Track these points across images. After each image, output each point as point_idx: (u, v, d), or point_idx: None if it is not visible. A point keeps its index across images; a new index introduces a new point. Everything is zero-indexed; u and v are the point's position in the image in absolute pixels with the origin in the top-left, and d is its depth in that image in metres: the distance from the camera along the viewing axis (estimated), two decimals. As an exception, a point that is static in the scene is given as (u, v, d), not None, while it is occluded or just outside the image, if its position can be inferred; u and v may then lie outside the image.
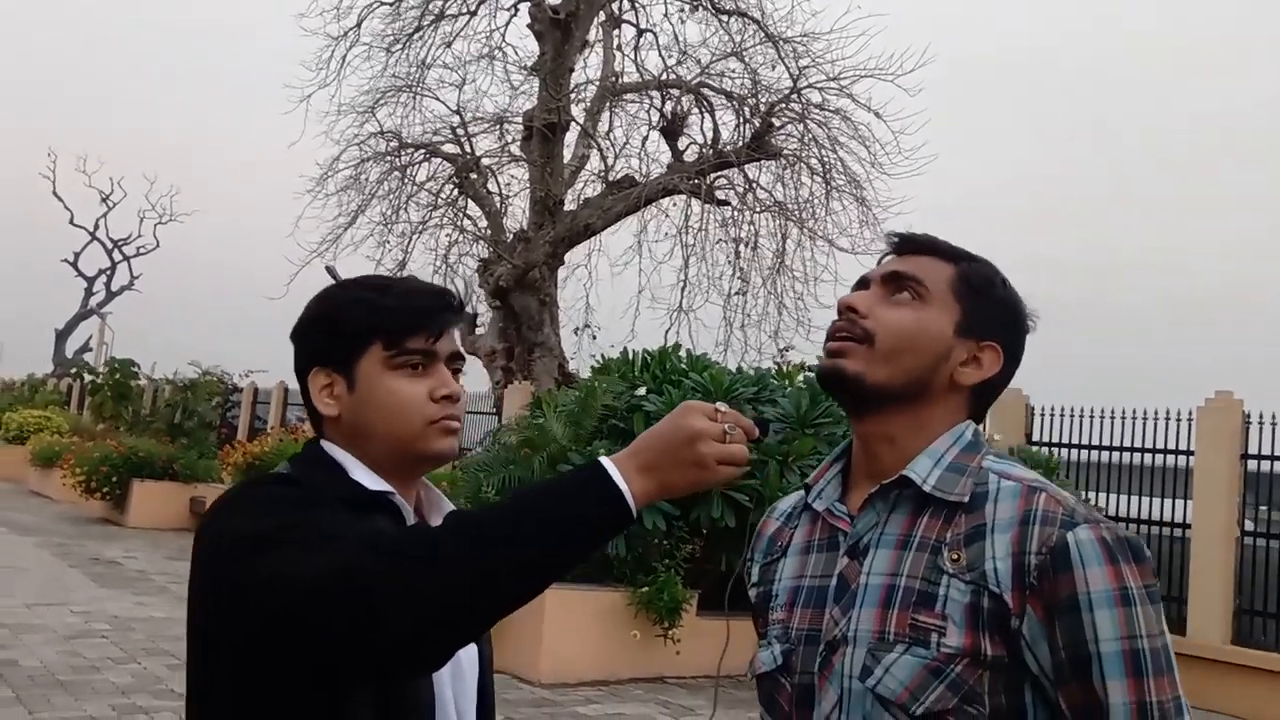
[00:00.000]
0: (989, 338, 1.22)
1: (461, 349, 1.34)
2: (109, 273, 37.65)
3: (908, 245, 1.27)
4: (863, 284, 1.27)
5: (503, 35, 15.30)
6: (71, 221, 36.91)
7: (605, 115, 15.21)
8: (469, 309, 15.49)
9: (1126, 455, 8.98)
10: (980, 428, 1.25)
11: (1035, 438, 9.49)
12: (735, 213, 15.13)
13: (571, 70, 14.65)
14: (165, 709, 5.67)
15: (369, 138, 15.18)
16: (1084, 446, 9.23)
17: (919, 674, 1.09)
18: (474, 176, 15.05)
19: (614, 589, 6.97)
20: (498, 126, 15.25)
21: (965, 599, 1.10)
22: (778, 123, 14.65)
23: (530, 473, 6.95)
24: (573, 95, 14.70)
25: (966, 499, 1.15)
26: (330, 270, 18.01)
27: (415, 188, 15.46)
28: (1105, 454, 9.12)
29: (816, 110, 14.60)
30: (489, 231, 14.87)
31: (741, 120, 14.69)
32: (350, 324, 1.27)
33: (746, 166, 14.68)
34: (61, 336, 37.03)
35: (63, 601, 8.50)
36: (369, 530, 1.13)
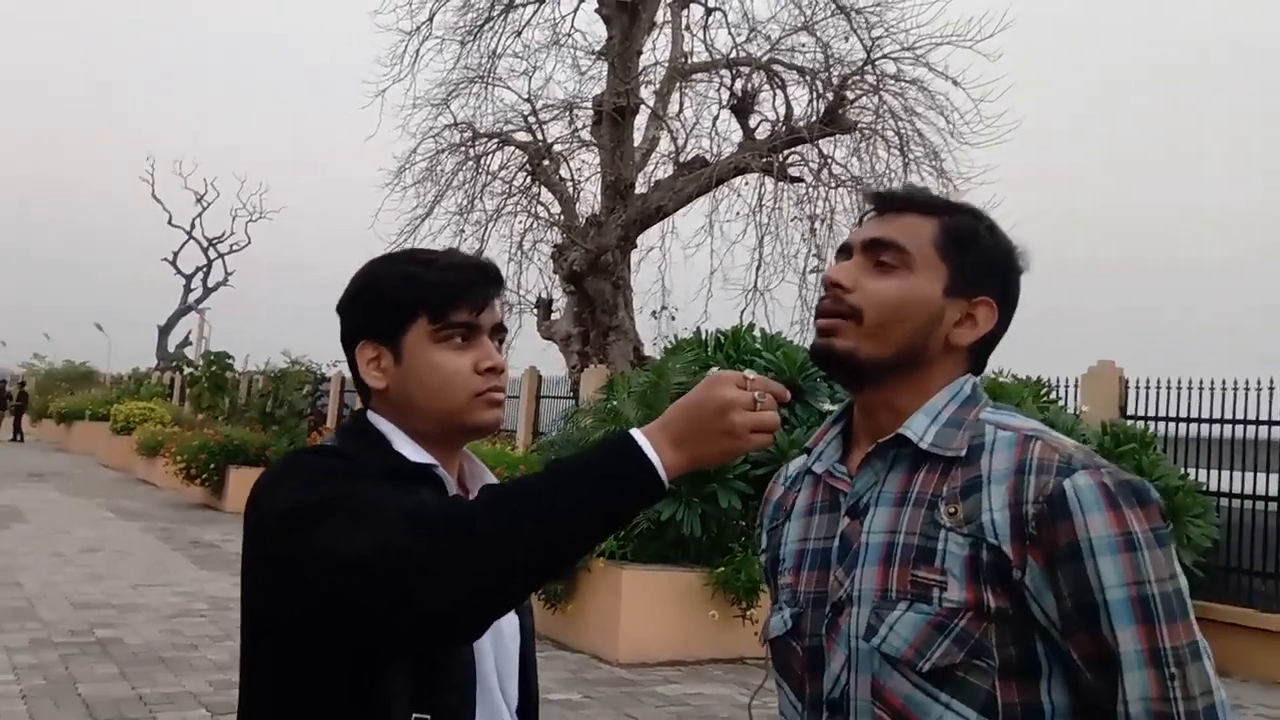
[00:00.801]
0: (980, 292, 1.19)
1: (504, 321, 1.34)
2: (205, 270, 38.96)
3: (885, 204, 1.24)
4: (845, 251, 1.24)
5: (571, 22, 15.31)
6: (169, 222, 38.27)
7: (675, 96, 15.09)
8: (543, 295, 15.59)
9: (1229, 428, 8.55)
10: (978, 381, 1.22)
11: (1130, 411, 9.12)
12: (809, 189, 14.89)
13: (640, 53, 14.57)
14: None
15: (443, 129, 15.34)
16: (1183, 420, 8.79)
17: (923, 630, 1.08)
18: (546, 163, 15.10)
19: (690, 569, 6.94)
20: (567, 112, 15.26)
21: (964, 552, 1.09)
22: (851, 96, 14.35)
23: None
24: (641, 78, 14.62)
25: (964, 453, 1.13)
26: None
27: (489, 177, 15.58)
28: (1206, 427, 8.69)
29: (891, 81, 14.26)
30: (562, 217, 14.91)
31: (815, 95, 14.43)
32: (396, 297, 1.28)
33: (820, 142, 14.43)
34: (163, 332, 38.47)
35: (165, 583, 8.83)
36: (410, 504, 1.13)
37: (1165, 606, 1.04)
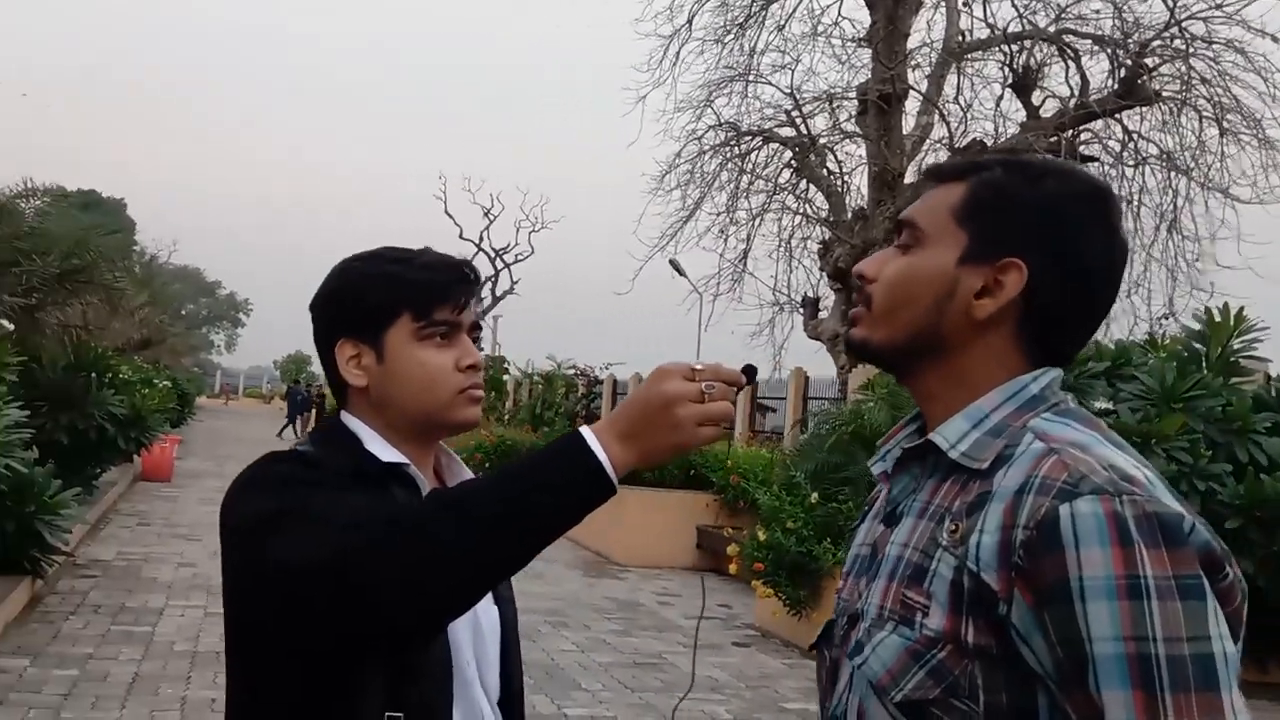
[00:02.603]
0: (1008, 254, 1.05)
1: (479, 319, 1.38)
2: (493, 280, 41.89)
3: (926, 178, 1.16)
4: None
5: (839, 10, 15.15)
6: (460, 236, 41.53)
7: (952, 78, 14.51)
8: (810, 294, 15.47)
9: None
10: (1056, 377, 1.07)
11: None
12: (1107, 169, 13.83)
13: (906, 36, 14.14)
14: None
15: (706, 131, 15.62)
16: None
17: (901, 656, 1.00)
18: (811, 158, 15.00)
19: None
20: (828, 104, 15.08)
21: (950, 576, 0.98)
22: (1152, 63, 13.20)
23: (846, 458, 6.82)
24: (909, 61, 14.18)
25: (986, 465, 1.01)
26: (674, 264, 18.88)
27: (753, 176, 15.69)
28: None
29: (1201, 43, 12.98)
30: (828, 213, 14.74)
31: (1115, 65, 13.40)
32: (378, 296, 1.31)
33: (1123, 116, 13.38)
34: (456, 340, 41.77)
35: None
36: (365, 510, 1.16)
37: (1174, 672, 0.87)
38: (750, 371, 1.13)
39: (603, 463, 1.07)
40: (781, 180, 15.73)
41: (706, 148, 15.69)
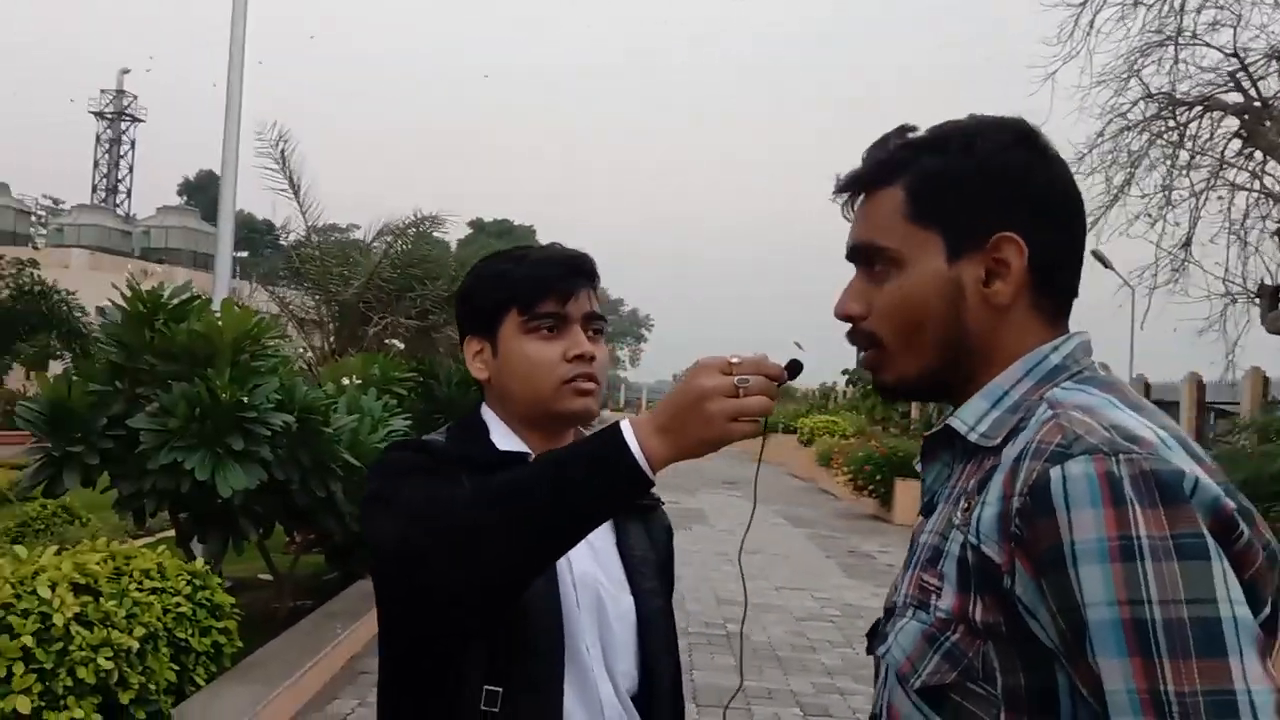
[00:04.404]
0: (990, 231, 1.03)
1: (598, 309, 1.46)
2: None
3: (844, 191, 1.11)
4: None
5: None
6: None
7: None
8: (1267, 281, 13.54)
9: None
10: (1081, 342, 1.05)
11: None
12: None
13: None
14: (861, 693, 6.12)
15: (1131, 105, 14.22)
16: None
17: (918, 642, 1.00)
18: (1265, 125, 13.12)
19: None
20: (1276, 61, 13.09)
21: (957, 553, 0.99)
22: None
23: (1256, 474, 5.86)
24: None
25: (999, 441, 1.01)
26: (1097, 255, 17.36)
27: (1192, 151, 14.03)
28: None
29: None
30: (1285, 187, 12.82)
31: None
32: (489, 294, 1.47)
33: None
34: (860, 348, 41.61)
35: (807, 587, 9.62)
36: (444, 499, 1.25)
37: (1172, 637, 0.85)
38: (795, 367, 1.15)
39: (635, 455, 1.11)
40: (1228, 154, 13.92)
41: (1132, 123, 14.26)
